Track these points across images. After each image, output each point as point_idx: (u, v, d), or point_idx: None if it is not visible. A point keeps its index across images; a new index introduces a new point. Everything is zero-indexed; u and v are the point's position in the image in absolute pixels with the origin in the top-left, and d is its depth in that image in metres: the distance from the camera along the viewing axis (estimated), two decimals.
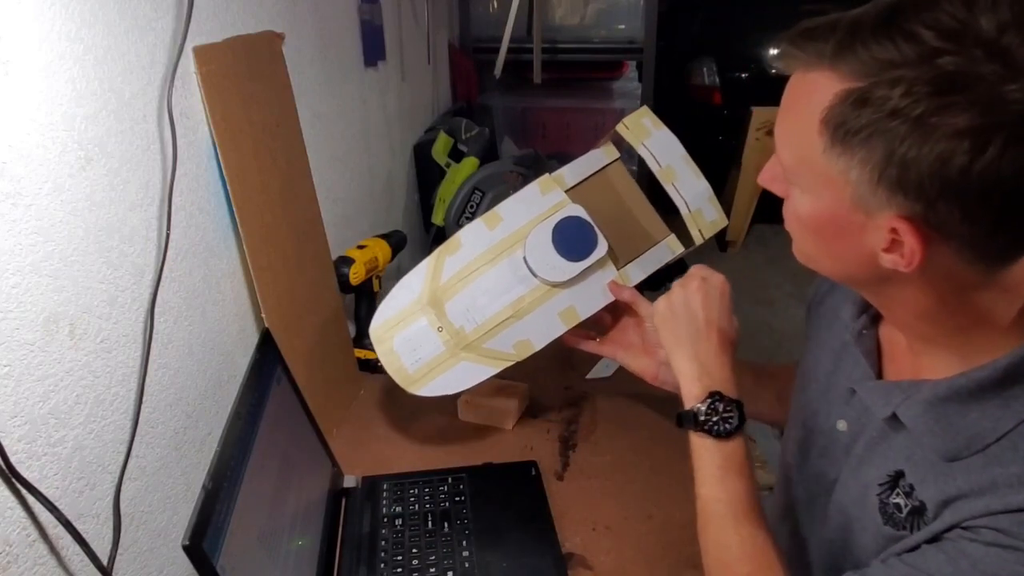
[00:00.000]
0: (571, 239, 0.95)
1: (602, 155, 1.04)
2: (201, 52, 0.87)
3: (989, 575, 0.55)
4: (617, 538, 0.93)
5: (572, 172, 1.02)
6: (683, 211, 0.98)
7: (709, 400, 0.74)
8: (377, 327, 0.96)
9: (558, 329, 0.96)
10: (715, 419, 0.73)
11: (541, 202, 0.98)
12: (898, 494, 0.65)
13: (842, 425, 0.73)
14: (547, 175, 1.00)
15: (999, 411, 0.58)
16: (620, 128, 0.99)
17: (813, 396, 0.80)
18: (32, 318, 0.63)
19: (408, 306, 0.96)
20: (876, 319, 0.74)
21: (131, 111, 0.76)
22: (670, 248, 1.02)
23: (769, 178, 0.66)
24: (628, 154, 1.06)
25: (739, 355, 1.13)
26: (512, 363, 0.95)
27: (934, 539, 0.60)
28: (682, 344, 0.79)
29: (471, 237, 0.98)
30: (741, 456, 0.73)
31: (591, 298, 0.97)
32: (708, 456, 0.74)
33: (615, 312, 1.01)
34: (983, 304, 0.59)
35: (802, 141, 0.56)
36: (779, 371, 0.97)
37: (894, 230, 0.54)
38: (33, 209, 0.63)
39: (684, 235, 1.02)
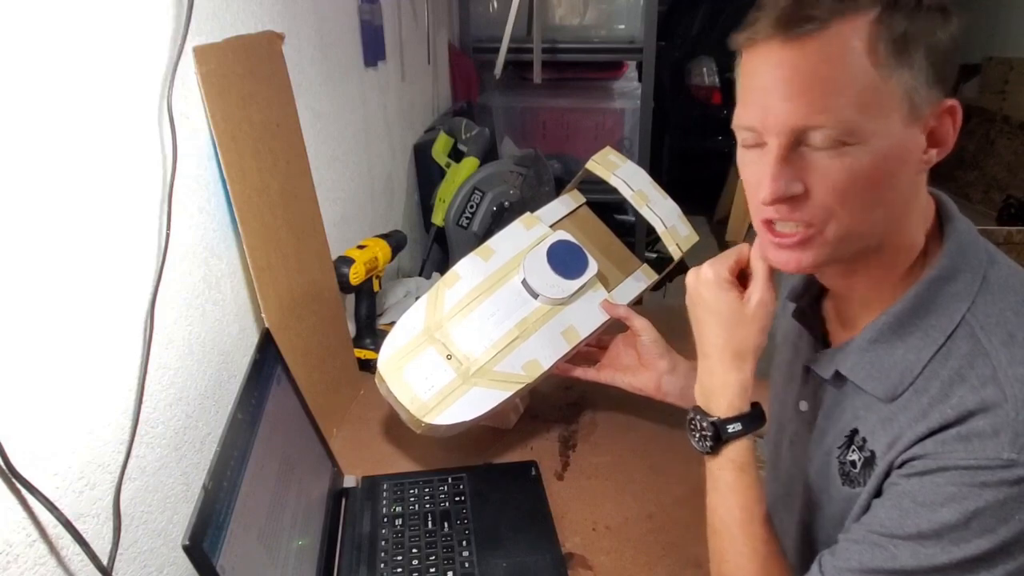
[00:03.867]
0: (565, 259, 1.01)
1: (570, 200, 1.14)
2: (201, 52, 0.87)
3: (928, 504, 0.57)
4: (617, 538, 0.93)
5: (547, 213, 1.11)
6: (659, 229, 1.05)
7: (690, 414, 0.74)
8: (385, 361, 0.95)
9: (563, 347, 0.99)
10: (696, 435, 0.73)
11: (528, 235, 1.05)
12: (853, 451, 0.67)
13: (804, 406, 0.75)
14: (527, 214, 1.09)
15: (920, 342, 0.62)
16: (590, 165, 1.07)
17: (780, 390, 0.82)
18: (32, 318, 0.63)
19: (413, 339, 0.96)
20: (818, 297, 0.77)
21: (131, 111, 0.76)
22: (645, 276, 1.11)
23: (784, 183, 0.59)
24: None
25: None
26: (523, 385, 0.95)
27: (879, 491, 0.63)
28: (698, 343, 0.77)
29: (468, 269, 1.01)
30: (732, 470, 0.71)
31: (589, 316, 1.02)
32: (706, 465, 0.74)
33: (602, 342, 1.04)
34: (913, 212, 0.65)
35: (860, 85, 0.57)
36: None
37: (939, 117, 0.60)
38: (32, 209, 0.63)
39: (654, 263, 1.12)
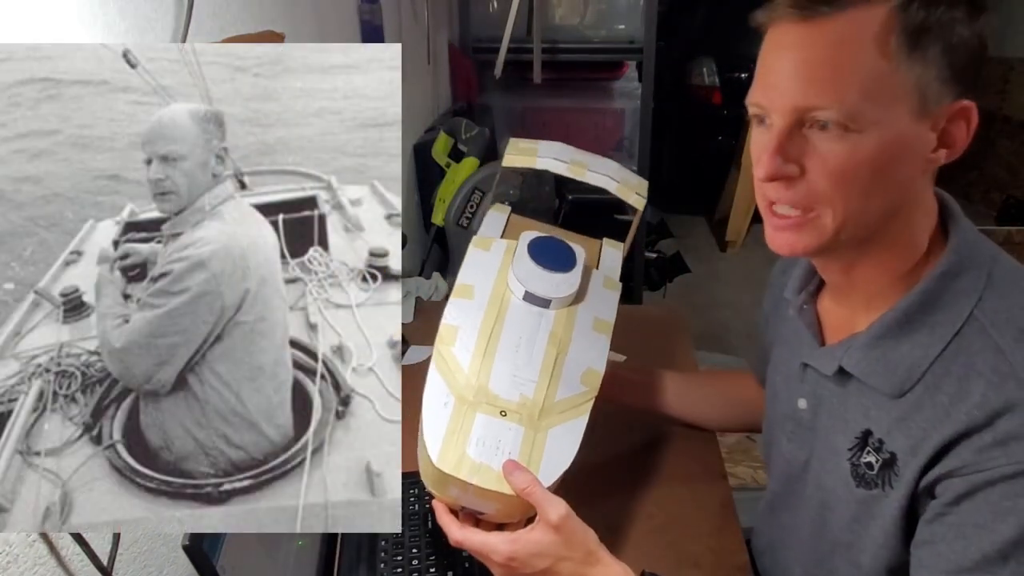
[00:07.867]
0: (549, 255, 0.88)
1: (499, 213, 1.01)
2: None
3: (986, 524, 0.56)
4: (617, 538, 0.93)
5: (491, 230, 0.98)
6: (612, 187, 0.95)
7: None
8: (440, 457, 0.74)
9: (603, 343, 0.87)
10: None
11: (491, 256, 0.91)
12: (868, 452, 0.66)
13: (802, 403, 0.75)
14: (475, 238, 0.94)
15: (927, 339, 0.62)
16: (507, 161, 0.96)
17: (778, 388, 0.81)
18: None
19: (453, 414, 0.77)
20: (814, 295, 0.77)
21: None
22: (613, 246, 1.01)
23: (780, 161, 0.60)
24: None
25: (739, 355, 1.12)
26: (592, 400, 0.83)
27: (913, 501, 0.62)
28: None
29: (459, 315, 0.85)
30: None
31: (604, 299, 0.91)
32: None
33: None
34: (917, 210, 0.65)
35: (866, 72, 0.57)
36: (731, 375, 1.00)
37: (952, 118, 0.59)
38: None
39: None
